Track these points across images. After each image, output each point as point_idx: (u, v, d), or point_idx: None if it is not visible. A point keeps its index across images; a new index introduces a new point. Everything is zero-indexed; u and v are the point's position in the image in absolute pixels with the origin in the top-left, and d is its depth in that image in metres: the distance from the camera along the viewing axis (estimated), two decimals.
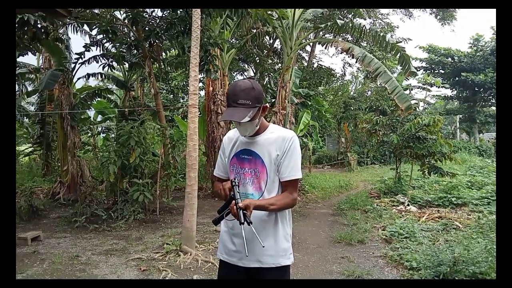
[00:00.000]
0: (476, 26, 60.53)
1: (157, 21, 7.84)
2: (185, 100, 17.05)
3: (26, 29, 6.14)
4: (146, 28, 7.68)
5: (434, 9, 20.98)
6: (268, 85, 14.60)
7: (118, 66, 11.45)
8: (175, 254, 5.05)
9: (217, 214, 1.88)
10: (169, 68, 11.13)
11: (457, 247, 4.36)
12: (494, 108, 26.81)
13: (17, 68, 9.55)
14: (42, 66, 10.57)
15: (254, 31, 12.29)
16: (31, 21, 5.94)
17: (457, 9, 20.94)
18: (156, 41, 7.65)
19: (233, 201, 1.76)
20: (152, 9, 7.97)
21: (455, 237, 5.49)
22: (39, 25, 6.36)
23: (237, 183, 1.82)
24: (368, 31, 9.36)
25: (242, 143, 2.03)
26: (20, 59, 9.64)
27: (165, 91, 16.40)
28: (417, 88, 25.52)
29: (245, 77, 18.28)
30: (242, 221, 1.69)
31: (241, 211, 1.71)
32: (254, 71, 16.71)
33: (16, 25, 5.78)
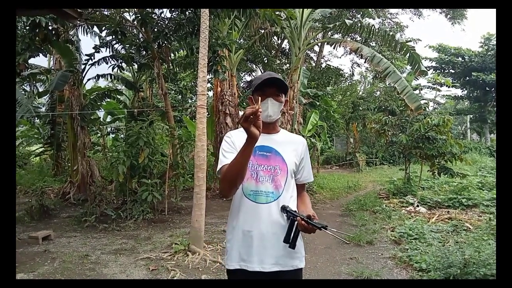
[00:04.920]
0: (487, 25, 59.67)
1: (166, 23, 7.90)
2: (193, 100, 17.11)
3: (37, 31, 6.24)
4: (155, 30, 7.74)
5: (444, 8, 20.77)
6: None
7: (127, 67, 11.56)
8: (183, 254, 5.07)
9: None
10: (177, 69, 11.20)
11: (468, 249, 4.29)
12: None
13: (29, 69, 9.68)
14: (52, 67, 10.72)
15: (262, 31, 12.31)
16: (42, 23, 6.04)
17: (467, 8, 20.70)
18: (165, 42, 7.71)
19: (298, 219, 1.75)
20: (160, 11, 8.03)
21: (466, 238, 5.41)
22: (50, 27, 6.47)
23: (286, 207, 1.84)
24: (377, 31, 9.32)
25: (259, 139, 1.74)
26: (31, 60, 9.78)
27: (173, 91, 16.48)
28: (427, 88, 25.19)
29: (253, 77, 18.30)
30: (320, 227, 1.72)
31: (311, 220, 1.74)
32: (262, 71, 16.72)
33: (28, 27, 5.89)
